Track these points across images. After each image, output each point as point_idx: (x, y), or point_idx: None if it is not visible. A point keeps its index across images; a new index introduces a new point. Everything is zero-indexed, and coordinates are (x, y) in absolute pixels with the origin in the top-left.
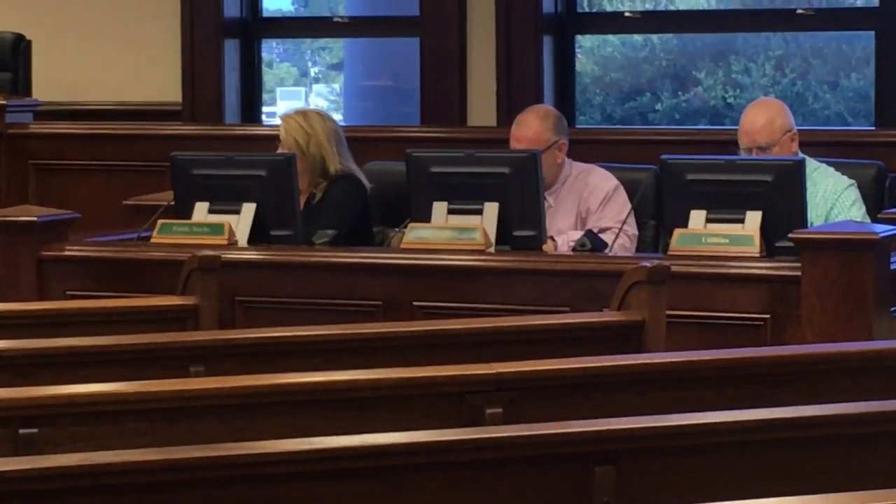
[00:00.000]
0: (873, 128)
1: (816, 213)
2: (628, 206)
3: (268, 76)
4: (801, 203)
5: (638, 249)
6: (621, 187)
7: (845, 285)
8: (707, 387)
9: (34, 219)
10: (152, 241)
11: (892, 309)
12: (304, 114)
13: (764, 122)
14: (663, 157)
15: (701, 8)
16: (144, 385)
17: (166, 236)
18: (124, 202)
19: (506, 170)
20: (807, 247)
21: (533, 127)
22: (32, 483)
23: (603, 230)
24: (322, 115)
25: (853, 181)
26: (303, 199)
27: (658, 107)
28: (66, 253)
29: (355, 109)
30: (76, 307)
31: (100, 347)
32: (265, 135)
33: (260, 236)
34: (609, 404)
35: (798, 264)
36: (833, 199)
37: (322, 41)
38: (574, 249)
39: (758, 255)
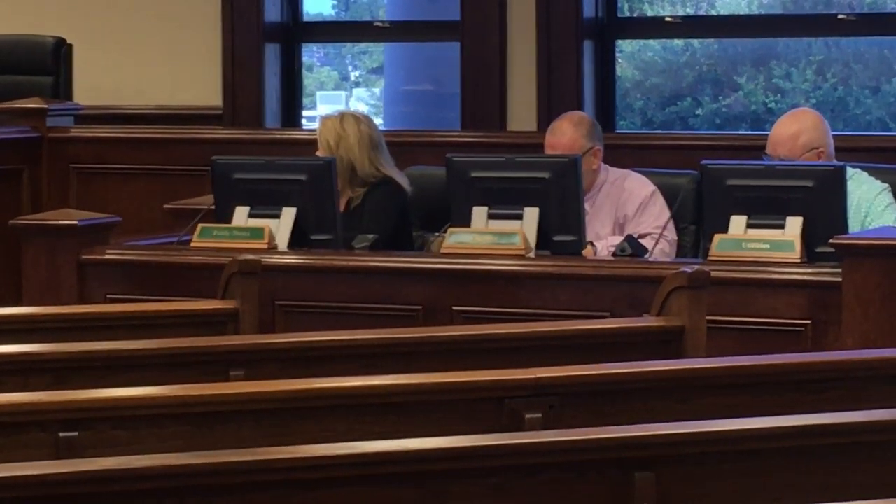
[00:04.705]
0: None
1: (852, 221)
2: (666, 210)
3: (308, 80)
4: (841, 209)
5: (678, 255)
6: (658, 192)
7: (886, 291)
8: (747, 393)
9: (75, 223)
10: (192, 245)
11: None
12: (341, 116)
13: (788, 135)
14: (704, 162)
15: (742, 13)
16: (184, 389)
17: (206, 240)
18: (165, 206)
19: (546, 175)
20: (848, 252)
21: (567, 134)
22: (72, 486)
23: (642, 236)
24: (358, 119)
25: (886, 185)
26: (341, 202)
27: (699, 112)
28: (107, 257)
29: (395, 114)
30: (116, 311)
31: (140, 351)
32: (305, 139)
33: (300, 240)
34: (649, 410)
35: (839, 270)
36: (867, 205)
37: (362, 45)
38: (614, 254)
39: (798, 260)
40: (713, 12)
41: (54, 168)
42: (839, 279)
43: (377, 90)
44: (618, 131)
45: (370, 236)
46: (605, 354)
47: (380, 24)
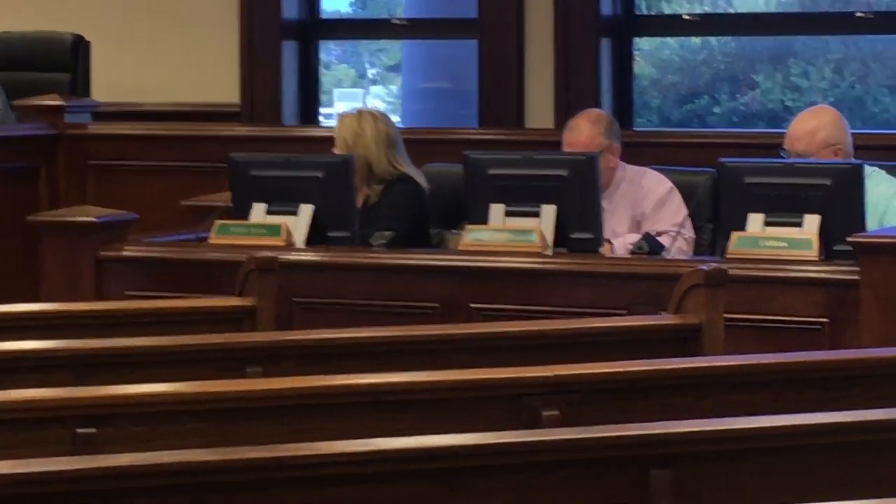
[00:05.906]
0: None
1: (870, 219)
2: (684, 208)
3: (325, 78)
4: (859, 207)
5: (695, 253)
6: (675, 189)
7: None
8: (765, 391)
9: (93, 219)
10: (210, 241)
11: None
12: (358, 114)
13: (806, 130)
14: (721, 160)
15: (759, 11)
16: (202, 385)
17: (224, 237)
18: (182, 203)
19: (563, 172)
20: (865, 250)
21: (584, 132)
22: (90, 483)
23: (660, 233)
24: (375, 117)
25: None
26: (358, 200)
27: (716, 109)
28: (125, 253)
29: (413, 111)
30: (134, 308)
31: (157, 348)
32: (323, 136)
33: (317, 237)
34: (666, 408)
35: (856, 268)
36: (884, 203)
37: (380, 43)
38: (632, 252)
39: (816, 258)
40: (731, 10)
41: (72, 165)
42: (857, 277)
43: (395, 87)
44: (635, 129)
45: (387, 233)
46: (623, 352)
47: (397, 22)
